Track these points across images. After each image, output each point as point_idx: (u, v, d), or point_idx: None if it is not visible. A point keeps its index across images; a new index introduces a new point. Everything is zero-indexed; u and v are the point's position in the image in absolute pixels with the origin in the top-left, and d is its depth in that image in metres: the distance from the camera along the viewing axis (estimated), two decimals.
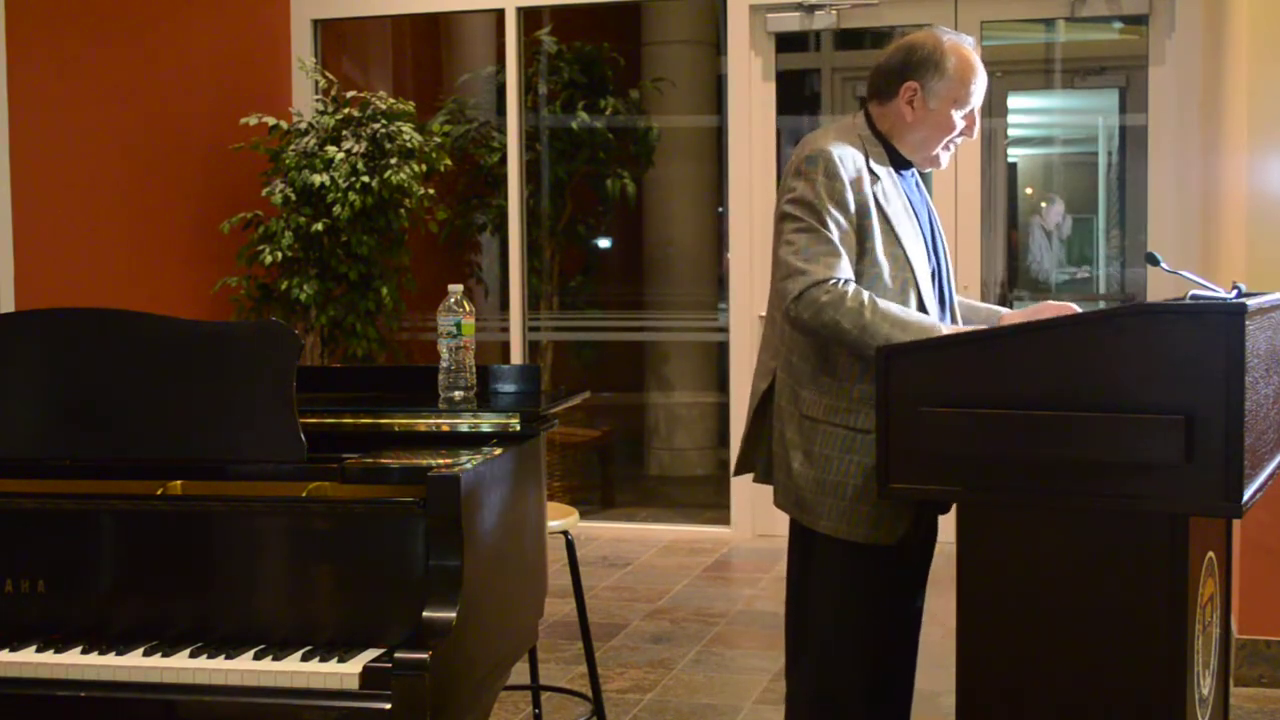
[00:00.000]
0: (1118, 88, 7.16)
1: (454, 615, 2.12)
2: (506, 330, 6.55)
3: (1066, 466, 2.18)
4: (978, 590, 2.30)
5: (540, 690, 3.67)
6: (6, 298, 4.98)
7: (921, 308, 2.55)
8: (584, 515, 4.21)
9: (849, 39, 7.28)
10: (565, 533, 3.31)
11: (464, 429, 2.52)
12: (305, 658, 2.13)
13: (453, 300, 2.60)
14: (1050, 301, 2.65)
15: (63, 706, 2.16)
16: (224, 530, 2.25)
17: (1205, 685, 2.36)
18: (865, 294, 2.43)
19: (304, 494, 2.40)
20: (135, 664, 2.13)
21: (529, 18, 6.71)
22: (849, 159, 2.51)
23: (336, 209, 5.65)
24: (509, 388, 2.82)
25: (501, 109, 6.69)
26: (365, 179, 5.68)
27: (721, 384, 6.95)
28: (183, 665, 2.12)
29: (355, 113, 5.91)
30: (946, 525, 2.50)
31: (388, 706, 2.05)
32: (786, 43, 6.45)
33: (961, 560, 2.31)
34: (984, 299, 6.03)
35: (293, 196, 5.74)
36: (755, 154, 6.11)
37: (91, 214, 5.45)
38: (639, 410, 8.12)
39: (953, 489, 2.29)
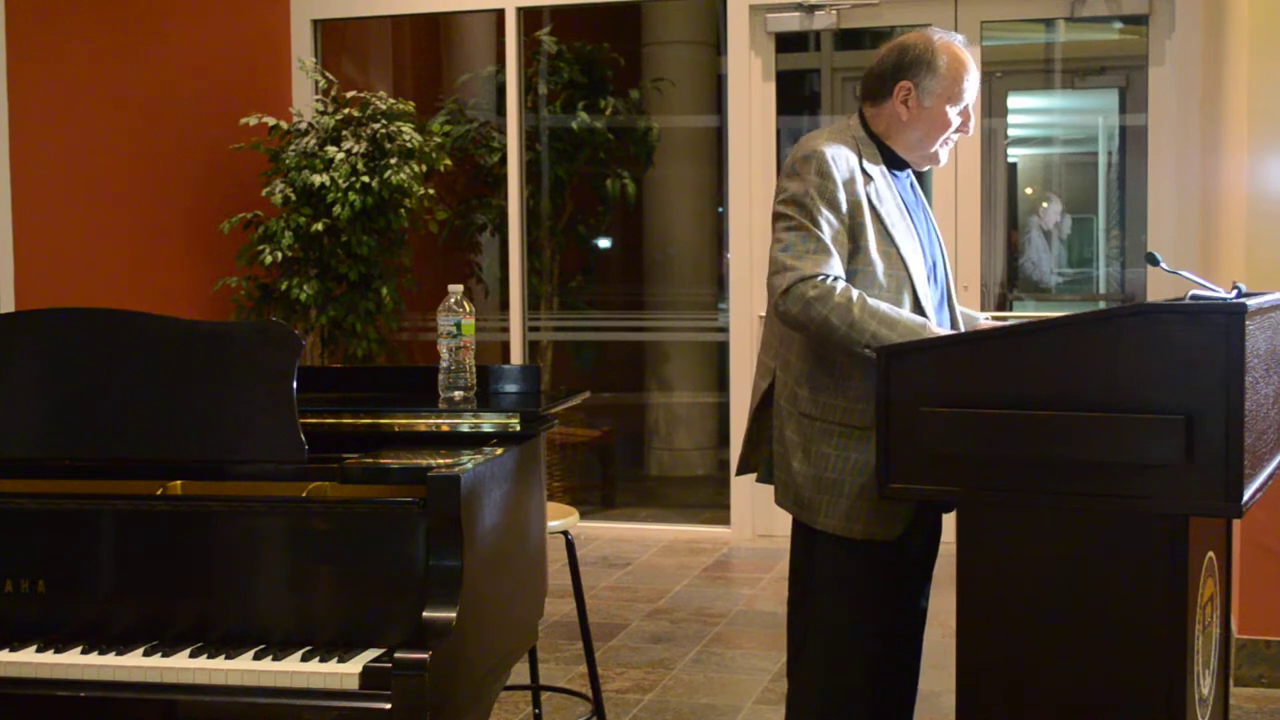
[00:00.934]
0: (1118, 88, 7.16)
1: (454, 615, 2.12)
2: (506, 330, 6.55)
3: (1066, 466, 2.18)
4: (978, 590, 2.30)
5: (540, 690, 3.67)
6: (6, 298, 4.98)
7: (917, 306, 2.56)
8: (584, 515, 4.22)
9: (849, 39, 7.28)
10: (565, 533, 3.31)
11: (464, 429, 2.52)
12: (305, 658, 2.13)
13: (453, 300, 2.60)
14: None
15: (63, 706, 2.16)
16: (224, 530, 2.25)
17: (1205, 685, 2.36)
18: (854, 291, 2.45)
19: (304, 494, 2.40)
20: (135, 664, 2.13)
21: (529, 18, 6.71)
22: (842, 159, 2.54)
23: (336, 209, 5.65)
24: (509, 388, 2.82)
25: (501, 109, 6.69)
26: (365, 179, 5.68)
27: (721, 384, 6.95)
28: (183, 665, 2.12)
29: (355, 113, 5.91)
30: (947, 525, 2.50)
31: (388, 706, 2.05)
32: (786, 43, 6.46)
33: (961, 560, 2.31)
34: (984, 299, 6.04)
35: (293, 196, 5.74)
36: (755, 154, 6.12)
37: (91, 214, 5.45)
38: (639, 410, 8.12)
39: (953, 489, 2.29)
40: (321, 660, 2.12)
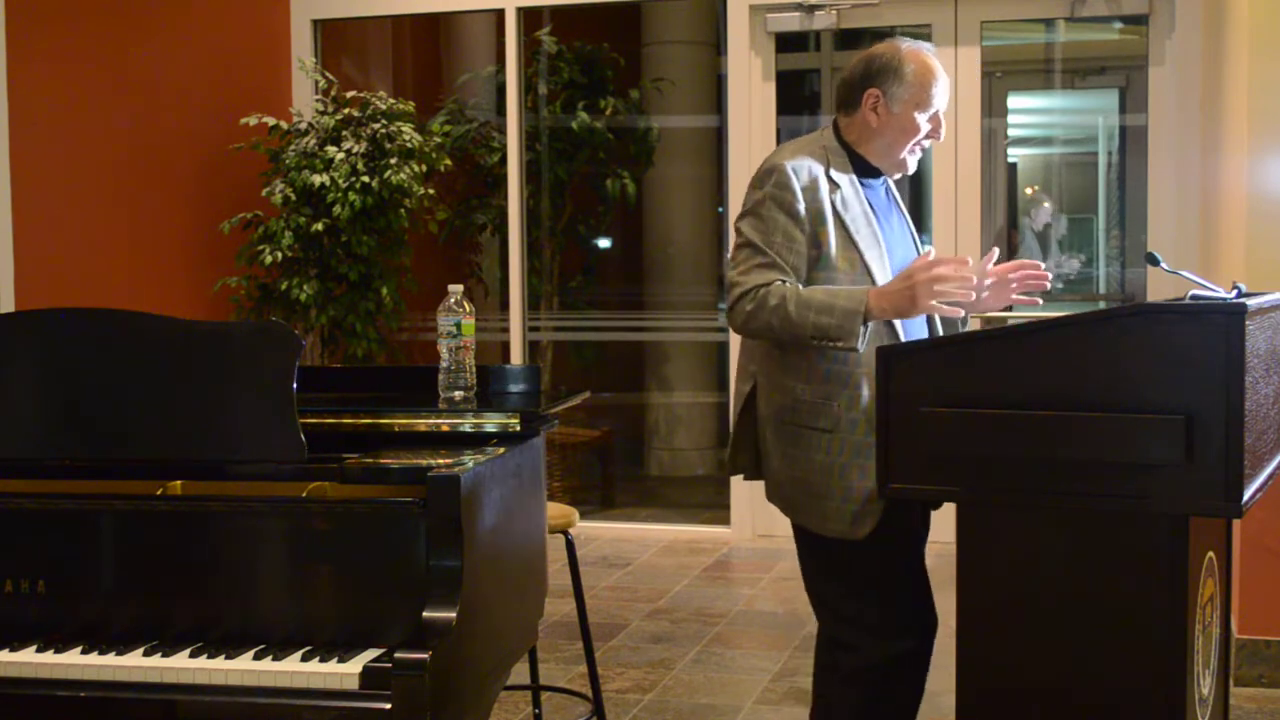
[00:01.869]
0: (1118, 88, 7.16)
1: (454, 615, 2.12)
2: (506, 330, 6.55)
3: (1067, 466, 2.18)
4: (978, 590, 2.30)
5: (540, 690, 3.67)
6: (6, 298, 4.98)
7: None
8: (584, 515, 4.21)
9: (849, 39, 7.27)
10: (565, 533, 3.31)
11: (464, 429, 2.52)
12: (305, 658, 2.13)
13: (453, 300, 2.60)
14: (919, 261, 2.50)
15: (63, 706, 2.15)
16: (224, 530, 2.25)
17: (1205, 685, 2.36)
18: (786, 289, 2.51)
19: (304, 494, 2.40)
20: (135, 664, 2.13)
21: (529, 18, 6.71)
22: (803, 169, 2.61)
23: (336, 209, 5.65)
24: (509, 388, 2.82)
25: (501, 109, 6.68)
26: (365, 179, 5.68)
27: (721, 384, 6.95)
28: (183, 665, 2.12)
29: (355, 113, 5.91)
30: (947, 525, 2.49)
31: (388, 706, 2.05)
32: (786, 43, 6.45)
33: (961, 560, 2.31)
34: None
35: (293, 196, 5.74)
36: (755, 154, 6.11)
37: (91, 214, 5.45)
38: (639, 410, 8.12)
39: (952, 489, 2.30)
40: (321, 660, 2.12)
